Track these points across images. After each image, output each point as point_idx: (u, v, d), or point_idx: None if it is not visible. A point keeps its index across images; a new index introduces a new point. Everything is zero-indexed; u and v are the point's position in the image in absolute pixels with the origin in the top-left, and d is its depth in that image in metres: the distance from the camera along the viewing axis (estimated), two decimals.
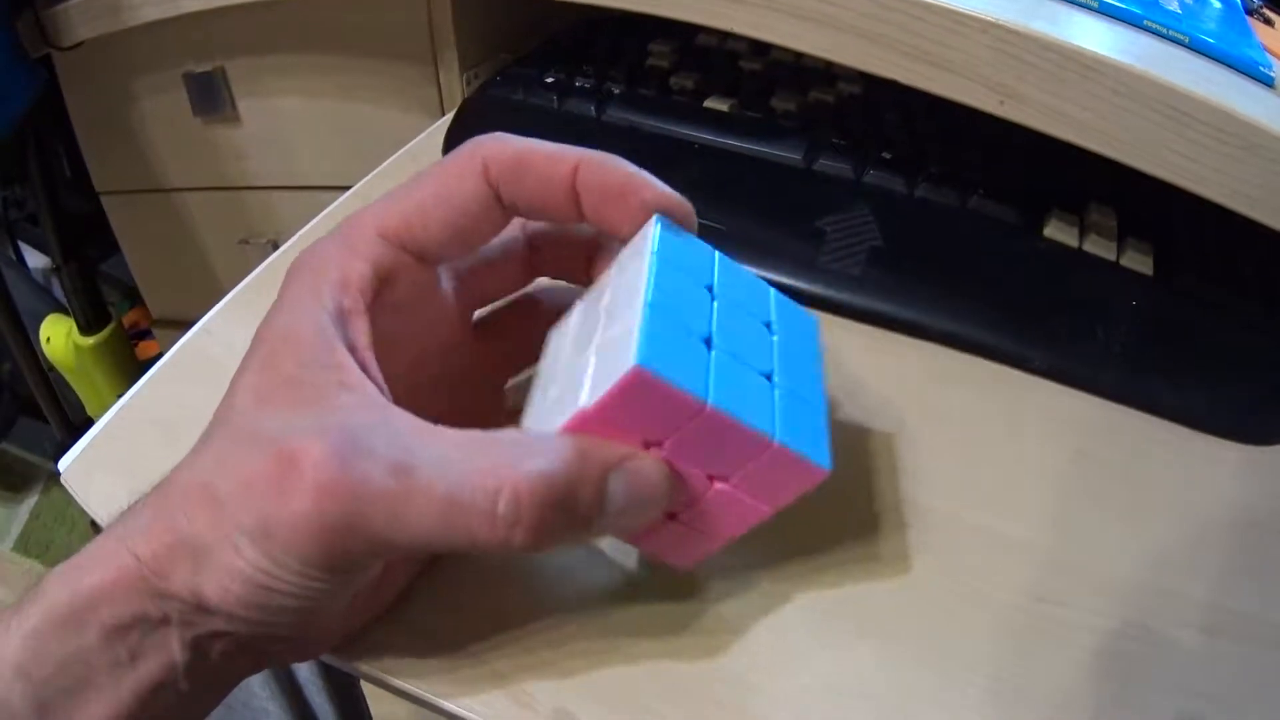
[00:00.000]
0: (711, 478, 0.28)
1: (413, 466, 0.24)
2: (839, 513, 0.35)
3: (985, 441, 0.38)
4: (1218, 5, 0.48)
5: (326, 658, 0.31)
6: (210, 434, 0.27)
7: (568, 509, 0.25)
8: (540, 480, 0.25)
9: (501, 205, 0.30)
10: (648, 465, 0.27)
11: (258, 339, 0.28)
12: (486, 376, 0.35)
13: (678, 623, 0.31)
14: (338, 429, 0.25)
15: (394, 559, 0.30)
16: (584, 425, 0.26)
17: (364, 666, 0.30)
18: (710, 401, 0.26)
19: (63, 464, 0.38)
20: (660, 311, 0.27)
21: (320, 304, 0.27)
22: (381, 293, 0.29)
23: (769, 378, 0.29)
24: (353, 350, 0.27)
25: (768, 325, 0.31)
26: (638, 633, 0.31)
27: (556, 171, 0.29)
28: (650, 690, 0.30)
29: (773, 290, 0.32)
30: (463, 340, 0.33)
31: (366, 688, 0.56)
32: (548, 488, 0.25)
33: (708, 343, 0.28)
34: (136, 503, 0.27)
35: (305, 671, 0.54)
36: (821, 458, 0.28)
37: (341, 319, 0.27)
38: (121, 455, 0.38)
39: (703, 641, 0.31)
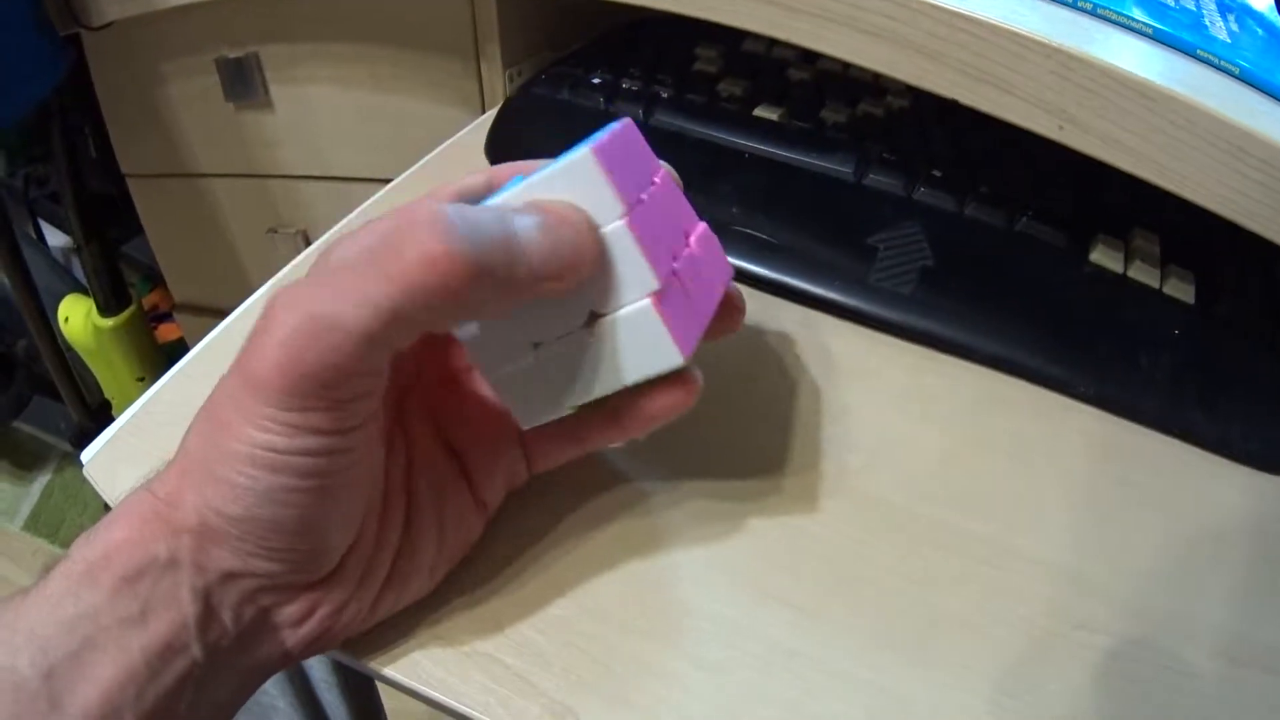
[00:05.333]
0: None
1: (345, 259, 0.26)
2: (878, 532, 0.35)
3: (1026, 465, 0.38)
4: (1261, 34, 0.48)
5: (342, 656, 0.31)
6: None
7: (481, 230, 0.26)
8: (447, 193, 0.28)
9: None
10: (560, 205, 0.28)
11: None
12: None
13: (705, 631, 0.32)
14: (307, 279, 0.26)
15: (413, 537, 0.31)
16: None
17: (376, 665, 0.31)
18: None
19: (86, 455, 0.38)
20: None
21: None
22: None
23: None
24: None
25: None
26: (659, 637, 0.32)
27: None
28: (672, 698, 0.30)
29: None
30: None
31: (381, 684, 0.57)
32: (455, 193, 0.28)
33: None
34: None
35: (318, 670, 0.54)
36: None
37: None
38: (147, 448, 0.38)
39: (739, 659, 0.31)
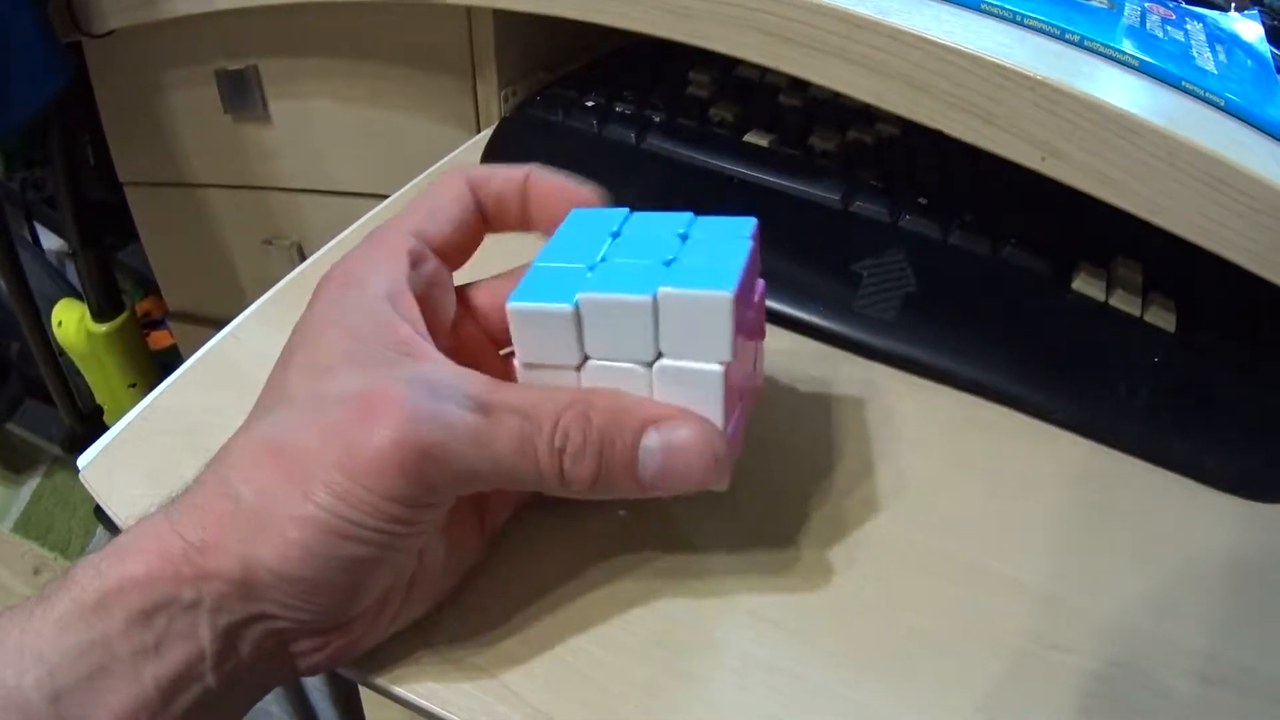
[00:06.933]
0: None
1: (491, 403, 0.27)
2: (856, 554, 0.36)
3: (1005, 489, 0.39)
4: (1251, 65, 0.49)
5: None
6: (266, 409, 0.28)
7: (606, 453, 0.28)
8: (583, 417, 0.28)
9: (478, 206, 0.34)
10: (686, 429, 0.29)
11: (298, 334, 0.30)
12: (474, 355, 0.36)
13: (684, 645, 0.32)
14: (417, 378, 0.27)
15: (423, 570, 0.31)
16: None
17: (365, 673, 0.31)
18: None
19: (82, 461, 0.38)
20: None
21: (367, 292, 0.29)
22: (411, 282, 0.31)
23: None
24: (412, 325, 0.29)
25: (682, 236, 0.32)
26: (639, 650, 0.32)
27: (515, 176, 0.34)
28: (651, 709, 0.30)
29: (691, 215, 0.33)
30: (459, 322, 0.36)
31: (362, 692, 0.57)
32: (589, 422, 0.28)
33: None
34: (192, 483, 0.28)
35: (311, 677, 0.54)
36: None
37: (393, 301, 0.29)
38: (143, 456, 0.38)
39: (718, 674, 0.31)
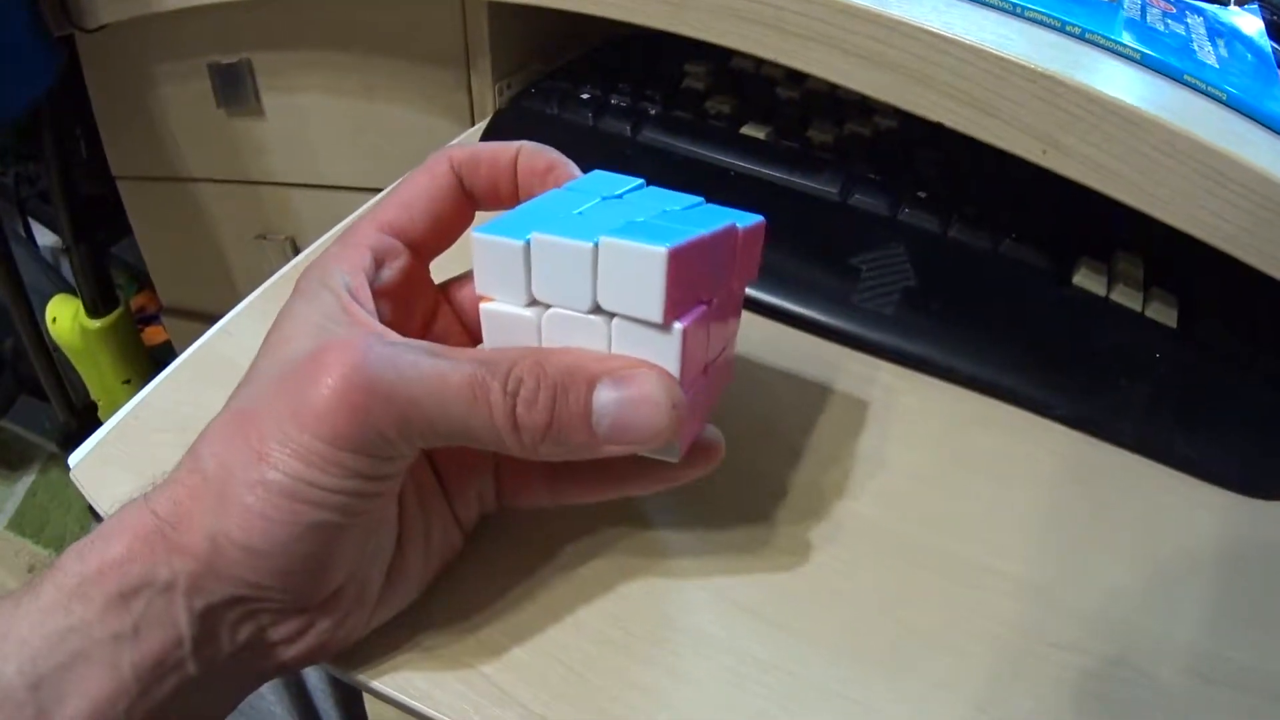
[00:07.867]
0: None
1: (445, 351, 0.27)
2: (853, 548, 0.35)
3: (1004, 485, 0.39)
4: (1251, 59, 0.49)
5: (327, 666, 0.31)
6: (238, 388, 0.29)
7: (560, 401, 0.27)
8: (537, 366, 0.27)
9: (465, 193, 0.33)
10: (642, 379, 0.28)
11: (275, 324, 0.30)
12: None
13: (679, 644, 0.32)
14: (371, 335, 0.27)
15: (405, 559, 0.31)
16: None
17: (359, 675, 0.31)
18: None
19: (73, 459, 0.37)
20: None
21: (332, 286, 0.30)
22: (378, 276, 0.31)
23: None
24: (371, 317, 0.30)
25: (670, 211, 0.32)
26: (633, 649, 0.32)
27: (502, 157, 0.33)
28: (645, 708, 0.30)
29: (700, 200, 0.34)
30: (436, 316, 0.36)
31: (365, 695, 0.57)
32: (543, 371, 0.27)
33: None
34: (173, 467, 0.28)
35: (313, 677, 0.54)
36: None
37: (354, 294, 0.30)
38: (134, 453, 0.38)
39: (713, 672, 0.31)
